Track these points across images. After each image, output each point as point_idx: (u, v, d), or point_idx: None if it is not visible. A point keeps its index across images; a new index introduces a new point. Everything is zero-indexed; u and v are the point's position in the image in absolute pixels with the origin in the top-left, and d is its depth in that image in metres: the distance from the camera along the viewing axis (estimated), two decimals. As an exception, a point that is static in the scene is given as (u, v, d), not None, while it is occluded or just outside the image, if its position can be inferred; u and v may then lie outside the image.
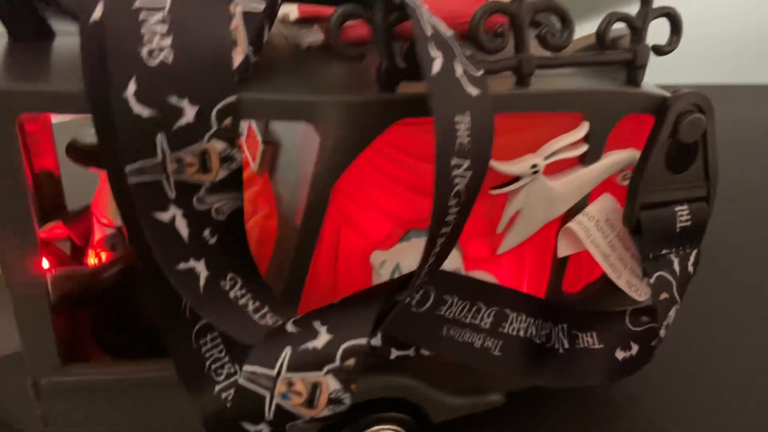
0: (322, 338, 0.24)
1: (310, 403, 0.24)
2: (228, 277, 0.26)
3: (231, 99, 0.23)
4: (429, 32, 0.24)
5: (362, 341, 0.23)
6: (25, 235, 0.25)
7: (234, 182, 0.25)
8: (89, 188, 0.34)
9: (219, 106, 0.23)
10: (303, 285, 0.28)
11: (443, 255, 0.25)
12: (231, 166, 0.24)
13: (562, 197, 0.30)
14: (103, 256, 0.31)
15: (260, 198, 0.32)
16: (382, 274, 0.29)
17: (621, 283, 0.32)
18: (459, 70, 0.24)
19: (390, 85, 0.25)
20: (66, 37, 0.27)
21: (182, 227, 0.25)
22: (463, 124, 0.23)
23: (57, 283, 0.29)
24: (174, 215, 0.24)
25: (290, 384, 0.23)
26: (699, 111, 0.29)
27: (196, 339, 0.28)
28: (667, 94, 0.30)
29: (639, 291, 0.32)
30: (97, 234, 0.32)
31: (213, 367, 0.28)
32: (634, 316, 0.33)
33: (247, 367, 0.24)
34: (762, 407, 0.39)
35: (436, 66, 0.23)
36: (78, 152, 0.31)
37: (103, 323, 0.31)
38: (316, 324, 0.24)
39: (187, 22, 0.22)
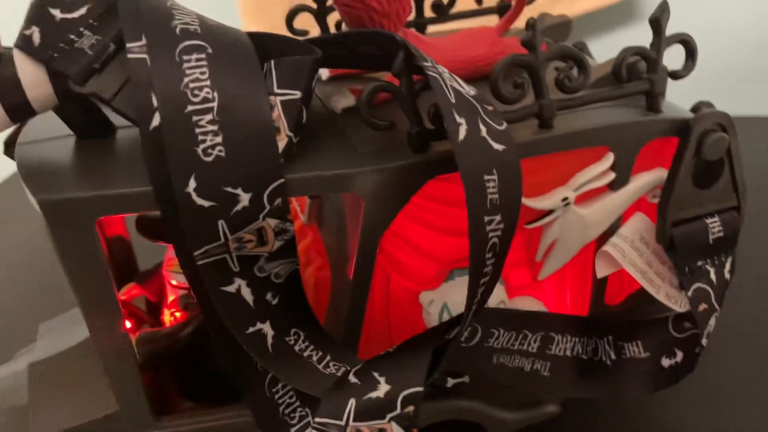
0: (382, 388, 0.26)
1: None
2: (292, 332, 0.29)
3: (279, 182, 0.26)
4: (453, 99, 0.26)
5: (419, 389, 0.26)
6: (108, 304, 0.28)
7: (289, 249, 0.27)
8: (157, 248, 0.37)
9: (269, 190, 0.26)
10: (360, 330, 0.31)
11: (484, 299, 0.27)
12: (285, 236, 0.27)
13: (595, 223, 0.32)
14: (177, 315, 0.35)
15: (312, 249, 0.34)
16: (431, 313, 0.31)
17: (660, 297, 0.33)
18: (483, 129, 0.26)
19: (421, 147, 0.27)
20: (127, 130, 0.30)
21: (247, 295, 0.28)
22: (491, 182, 0.25)
23: (141, 345, 0.33)
24: (239, 285, 0.27)
25: (359, 431, 0.26)
26: (721, 129, 0.31)
27: (268, 388, 0.31)
28: (688, 115, 0.31)
29: (679, 302, 0.33)
30: (170, 295, 0.35)
31: (286, 411, 0.31)
32: (676, 322, 0.35)
33: (318, 419, 0.27)
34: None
35: (462, 132, 0.25)
36: (147, 228, 0.34)
37: (186, 374, 0.34)
38: (375, 374, 0.27)
39: (234, 119, 0.25)
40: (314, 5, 0.37)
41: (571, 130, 0.29)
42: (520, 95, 0.28)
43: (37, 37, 0.26)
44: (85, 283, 0.27)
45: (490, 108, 0.27)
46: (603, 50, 0.51)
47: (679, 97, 0.34)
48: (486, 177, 0.25)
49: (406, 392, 0.26)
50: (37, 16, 0.26)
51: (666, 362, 0.34)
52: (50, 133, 0.30)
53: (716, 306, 0.32)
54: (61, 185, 0.26)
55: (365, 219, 0.28)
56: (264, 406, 0.30)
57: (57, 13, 0.26)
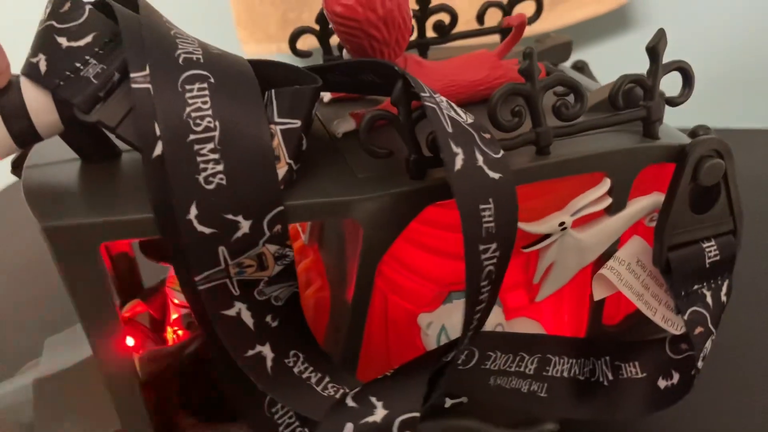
0: (379, 413, 0.27)
1: None
2: (291, 354, 0.29)
3: (278, 209, 0.26)
4: (450, 128, 0.26)
5: (415, 414, 0.26)
6: (111, 326, 0.28)
7: (289, 273, 0.28)
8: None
9: (269, 217, 0.26)
10: (359, 352, 0.31)
11: (480, 324, 0.28)
12: (284, 261, 0.28)
13: (592, 247, 0.32)
14: (180, 333, 0.35)
15: (312, 270, 0.35)
16: (429, 334, 0.32)
17: (657, 320, 0.33)
18: (480, 159, 0.26)
19: (419, 174, 0.28)
20: (132, 153, 0.30)
21: (247, 318, 0.28)
22: (487, 210, 0.26)
23: (144, 363, 0.33)
24: (239, 309, 0.28)
25: None
26: (718, 155, 0.31)
27: (268, 408, 0.31)
28: (685, 140, 0.31)
29: (675, 325, 0.33)
30: (173, 313, 0.36)
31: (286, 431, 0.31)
32: (673, 343, 0.35)
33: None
34: None
35: (458, 162, 0.25)
36: (150, 249, 0.35)
37: (188, 392, 0.35)
38: (373, 399, 0.27)
39: (235, 147, 0.25)
40: (317, 27, 0.37)
41: (568, 156, 0.29)
42: (517, 123, 0.28)
43: (43, 65, 0.26)
44: (88, 306, 0.27)
45: (487, 136, 0.27)
46: (602, 57, 0.52)
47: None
48: (482, 206, 0.26)
49: (402, 417, 0.26)
50: (44, 43, 0.27)
51: (662, 383, 0.34)
52: (56, 157, 0.30)
53: (712, 329, 0.33)
54: (65, 211, 0.26)
55: (364, 244, 0.28)
56: (263, 426, 0.31)
57: (63, 41, 0.27)
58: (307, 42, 0.38)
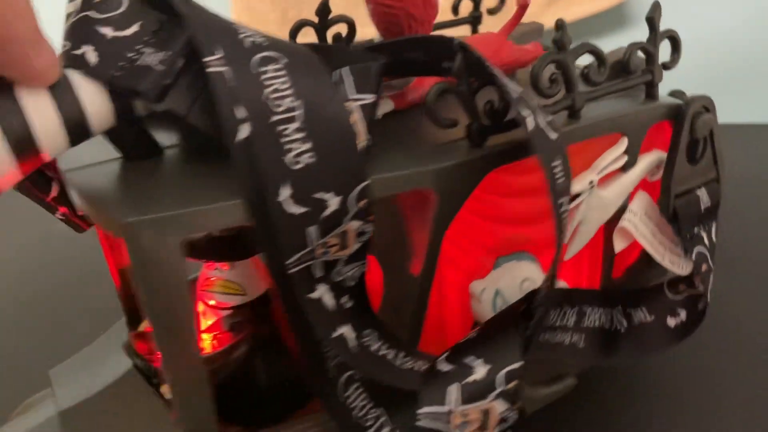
0: (480, 370, 0.27)
1: (484, 426, 0.28)
2: (366, 333, 0.29)
3: (364, 183, 0.26)
4: (515, 95, 0.28)
5: (517, 365, 0.27)
6: (187, 328, 0.27)
7: (364, 251, 0.28)
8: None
9: (356, 192, 0.26)
10: (422, 325, 0.32)
11: (556, 275, 0.29)
12: (363, 238, 0.28)
13: (611, 203, 0.35)
14: (220, 337, 0.34)
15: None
16: (483, 300, 0.33)
17: (665, 263, 0.37)
18: (542, 120, 0.28)
19: (480, 142, 0.29)
20: (174, 150, 0.29)
21: (329, 300, 0.28)
22: (558, 167, 0.28)
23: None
24: (322, 291, 0.28)
25: (465, 415, 0.27)
26: (706, 110, 0.35)
27: (341, 393, 0.31)
28: (679, 101, 0.35)
29: (680, 266, 0.37)
30: (208, 318, 0.34)
31: (360, 415, 0.31)
32: (671, 286, 0.39)
33: (423, 410, 0.27)
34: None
35: (530, 123, 0.27)
36: (192, 250, 0.33)
37: (232, 397, 0.33)
38: (469, 359, 0.28)
39: (320, 125, 0.25)
40: (316, 19, 0.38)
41: (597, 119, 0.32)
42: (556, 90, 0.31)
43: (92, 56, 0.25)
44: (164, 307, 0.26)
45: (537, 102, 0.30)
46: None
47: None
48: (554, 163, 0.28)
49: (507, 369, 0.27)
50: (86, 34, 0.25)
51: (672, 322, 0.38)
52: (90, 159, 0.28)
53: (712, 266, 0.37)
54: (145, 205, 0.25)
55: (438, 212, 0.29)
56: (338, 410, 0.30)
57: (108, 31, 0.25)
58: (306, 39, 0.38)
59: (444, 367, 0.28)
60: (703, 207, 0.37)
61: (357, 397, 0.31)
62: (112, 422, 0.31)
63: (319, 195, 0.25)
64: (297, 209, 0.25)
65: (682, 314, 0.38)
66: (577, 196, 0.34)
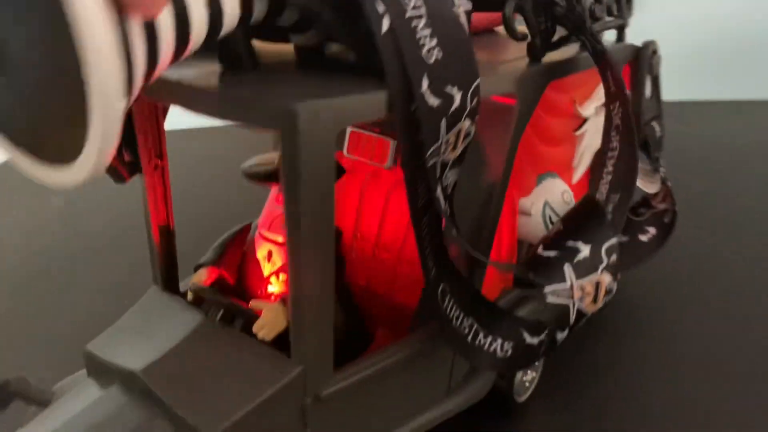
0: (585, 249, 0.30)
1: (595, 298, 0.30)
2: (463, 242, 0.31)
3: (478, 81, 0.28)
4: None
5: (614, 241, 0.31)
6: (328, 227, 0.26)
7: (464, 156, 0.30)
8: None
9: (472, 88, 0.28)
10: (495, 232, 0.34)
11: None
12: (467, 140, 0.30)
13: (600, 128, 0.41)
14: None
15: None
16: (534, 213, 0.36)
17: (639, 184, 0.44)
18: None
19: (539, 57, 0.33)
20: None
21: (442, 202, 0.29)
22: (609, 77, 0.32)
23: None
24: (439, 192, 0.29)
25: (582, 288, 0.30)
26: (655, 52, 0.43)
27: (441, 305, 0.31)
28: (638, 45, 0.42)
29: (651, 186, 0.44)
30: (276, 260, 0.32)
31: (456, 324, 0.32)
32: (632, 211, 0.45)
33: (547, 289, 0.29)
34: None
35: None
36: (257, 175, 0.31)
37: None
38: (570, 243, 0.31)
39: (441, 23, 0.27)
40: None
41: (610, 48, 0.38)
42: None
43: None
44: (312, 199, 0.25)
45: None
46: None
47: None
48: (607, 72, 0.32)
49: (606, 245, 0.30)
50: None
51: (643, 237, 0.44)
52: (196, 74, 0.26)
53: (670, 185, 0.44)
54: (296, 96, 0.24)
55: (518, 117, 0.32)
56: (440, 317, 0.31)
57: None
58: None
59: (548, 253, 0.31)
60: (657, 135, 0.44)
61: (451, 308, 0.32)
62: (202, 370, 0.28)
63: (447, 89, 0.27)
64: (434, 101, 0.26)
65: (651, 230, 0.44)
66: (585, 121, 0.39)
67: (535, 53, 0.33)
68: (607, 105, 0.31)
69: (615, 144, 0.33)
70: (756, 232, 0.61)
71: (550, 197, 0.37)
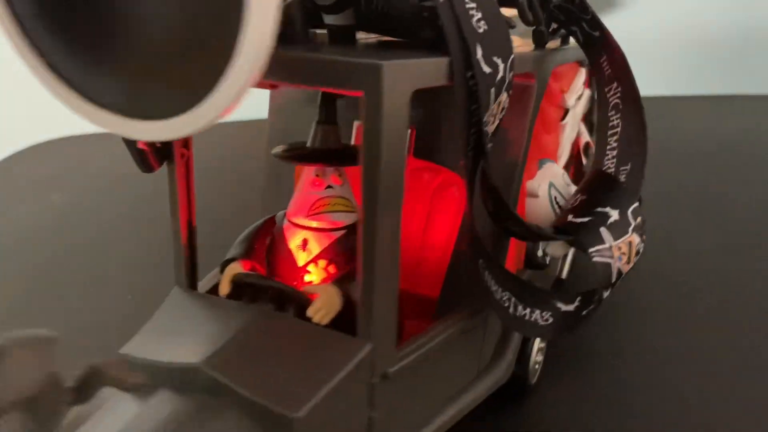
0: (614, 213, 0.32)
1: (629, 258, 0.32)
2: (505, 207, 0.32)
3: (513, 55, 0.30)
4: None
5: (636, 204, 0.33)
6: (398, 192, 0.26)
7: (496, 132, 0.31)
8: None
9: (509, 60, 0.30)
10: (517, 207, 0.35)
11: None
12: (502, 114, 0.31)
13: (577, 120, 0.44)
14: (332, 266, 0.31)
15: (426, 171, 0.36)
16: (541, 193, 0.37)
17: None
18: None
19: (544, 44, 0.35)
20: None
21: (486, 167, 0.30)
22: (605, 62, 0.35)
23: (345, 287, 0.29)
24: (484, 165, 0.30)
25: (619, 249, 0.31)
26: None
27: (482, 276, 0.32)
28: None
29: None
30: (314, 246, 0.31)
31: (497, 297, 0.32)
32: None
33: (591, 249, 0.31)
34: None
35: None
36: (290, 155, 0.31)
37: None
38: (599, 209, 0.32)
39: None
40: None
41: (573, 44, 0.41)
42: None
43: None
44: (389, 165, 0.25)
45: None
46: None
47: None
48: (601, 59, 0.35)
49: (631, 208, 0.32)
50: None
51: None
52: None
53: None
54: (375, 58, 0.24)
55: (536, 96, 0.33)
56: (486, 295, 0.31)
57: None
58: None
59: (581, 219, 0.32)
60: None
61: (490, 281, 0.32)
62: (267, 357, 0.26)
63: (495, 59, 0.28)
64: (487, 68, 0.27)
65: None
66: (567, 111, 0.41)
67: (540, 39, 0.35)
68: (601, 90, 0.34)
69: (616, 122, 0.35)
70: (744, 227, 0.63)
71: (553, 179, 0.39)
